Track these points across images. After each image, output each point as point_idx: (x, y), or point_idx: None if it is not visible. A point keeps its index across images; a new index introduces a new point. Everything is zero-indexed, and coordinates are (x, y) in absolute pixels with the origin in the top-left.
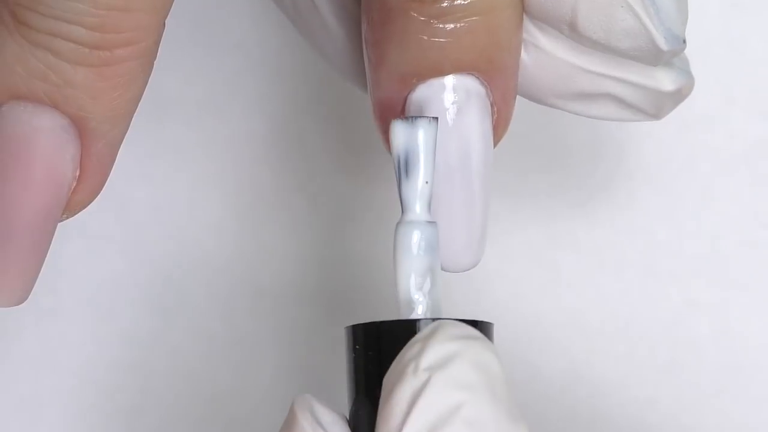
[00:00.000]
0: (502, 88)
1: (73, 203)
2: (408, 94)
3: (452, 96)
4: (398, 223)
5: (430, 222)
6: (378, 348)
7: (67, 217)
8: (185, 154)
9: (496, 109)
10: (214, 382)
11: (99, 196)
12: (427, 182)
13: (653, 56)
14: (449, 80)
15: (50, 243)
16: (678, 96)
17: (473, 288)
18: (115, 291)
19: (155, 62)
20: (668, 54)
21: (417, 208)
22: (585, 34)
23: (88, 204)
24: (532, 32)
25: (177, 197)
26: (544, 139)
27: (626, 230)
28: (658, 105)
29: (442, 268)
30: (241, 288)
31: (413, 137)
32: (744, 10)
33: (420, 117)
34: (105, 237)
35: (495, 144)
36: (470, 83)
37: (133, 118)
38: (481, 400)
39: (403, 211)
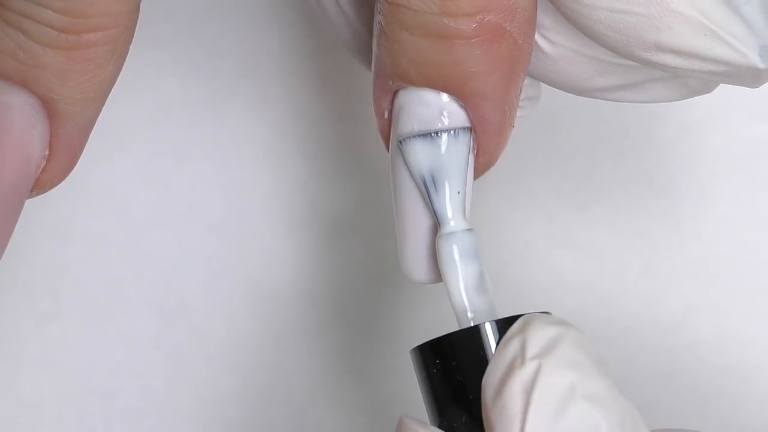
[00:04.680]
0: (479, 118)
1: (42, 182)
2: (394, 95)
3: (425, 109)
4: (437, 237)
5: (467, 230)
6: (455, 358)
7: (37, 195)
8: (185, 156)
9: (474, 137)
10: (215, 385)
11: (99, 198)
12: (458, 192)
13: (752, 77)
14: (428, 94)
15: (17, 218)
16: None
17: None
18: (115, 293)
19: (157, 64)
20: (767, 72)
21: (450, 220)
22: (674, 66)
23: (58, 183)
24: (558, 31)
25: (177, 199)
26: (543, 141)
27: (626, 232)
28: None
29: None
30: (242, 290)
31: (433, 153)
32: None
33: (437, 132)
34: (105, 239)
35: (476, 175)
36: (448, 104)
37: (105, 103)
38: (592, 376)
39: (439, 225)
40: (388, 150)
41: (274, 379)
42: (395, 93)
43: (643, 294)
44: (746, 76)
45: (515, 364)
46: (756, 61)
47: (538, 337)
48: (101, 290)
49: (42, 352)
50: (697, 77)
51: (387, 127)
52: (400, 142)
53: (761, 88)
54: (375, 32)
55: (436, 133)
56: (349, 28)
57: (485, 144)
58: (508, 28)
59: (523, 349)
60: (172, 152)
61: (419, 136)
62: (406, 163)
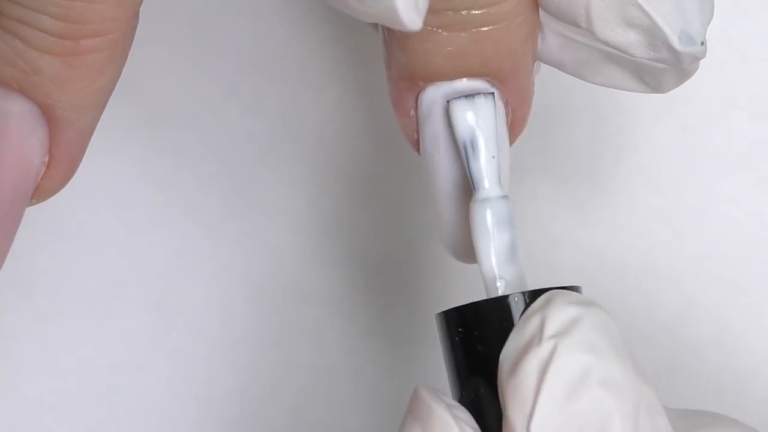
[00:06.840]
0: (515, 89)
1: (42, 189)
2: (419, 93)
3: (455, 94)
4: (471, 202)
5: (502, 197)
6: (479, 327)
7: (37, 202)
8: (184, 155)
9: (510, 109)
10: (214, 383)
11: (99, 197)
12: (493, 157)
13: (672, 58)
14: (458, 83)
15: (18, 226)
16: (682, 72)
17: (473, 289)
18: (114, 292)
19: (156, 63)
20: (685, 56)
21: (486, 184)
22: (601, 36)
23: (58, 190)
24: None
25: (176, 198)
26: (543, 141)
27: (626, 231)
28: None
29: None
30: (241, 289)
31: (472, 116)
32: (744, 11)
33: (476, 94)
34: (104, 238)
35: (511, 142)
36: (480, 86)
37: (104, 108)
38: (609, 360)
39: (474, 190)
40: (415, 147)
41: (273, 378)
42: (418, 91)
43: (642, 293)
44: (666, 56)
45: (533, 342)
46: (675, 42)
47: (558, 316)
48: (101, 289)
49: (41, 351)
50: (620, 52)
51: (415, 123)
52: (449, 101)
53: (762, 86)
54: (394, 39)
55: (473, 95)
56: None
57: (522, 114)
58: None
59: (541, 327)
60: (171, 152)
61: (464, 97)
62: (452, 125)
